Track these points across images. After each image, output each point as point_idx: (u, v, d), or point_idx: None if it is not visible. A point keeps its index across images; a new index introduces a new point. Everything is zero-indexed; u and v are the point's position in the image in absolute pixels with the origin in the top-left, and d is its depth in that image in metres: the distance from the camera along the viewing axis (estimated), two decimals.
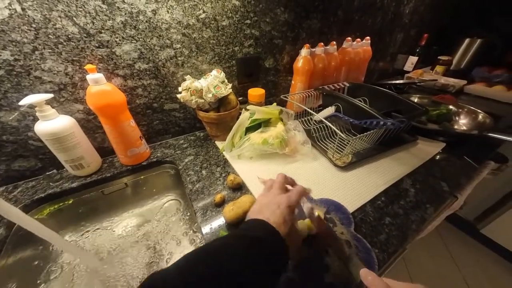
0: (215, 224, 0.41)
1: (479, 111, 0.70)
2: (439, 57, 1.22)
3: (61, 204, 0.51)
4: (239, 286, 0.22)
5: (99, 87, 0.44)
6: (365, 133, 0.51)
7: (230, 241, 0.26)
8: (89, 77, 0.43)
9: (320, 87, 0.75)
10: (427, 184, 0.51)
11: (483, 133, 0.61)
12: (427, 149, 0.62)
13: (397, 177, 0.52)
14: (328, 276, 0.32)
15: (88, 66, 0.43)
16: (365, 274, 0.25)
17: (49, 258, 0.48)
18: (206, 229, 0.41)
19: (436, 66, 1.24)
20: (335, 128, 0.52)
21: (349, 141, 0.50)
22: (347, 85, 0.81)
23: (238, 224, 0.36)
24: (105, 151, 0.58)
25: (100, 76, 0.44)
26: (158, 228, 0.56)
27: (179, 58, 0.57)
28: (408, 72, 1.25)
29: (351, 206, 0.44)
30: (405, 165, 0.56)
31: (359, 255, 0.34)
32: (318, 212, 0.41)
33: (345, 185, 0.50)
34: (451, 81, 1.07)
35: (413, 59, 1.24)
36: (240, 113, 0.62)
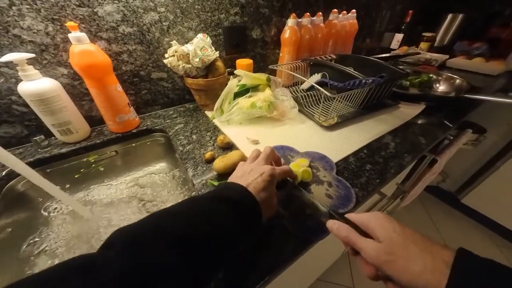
0: (205, 177, 0.43)
1: (456, 76, 0.74)
2: (423, 34, 1.25)
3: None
4: (209, 239, 0.21)
5: (82, 46, 0.44)
6: (349, 92, 0.53)
7: (203, 202, 0.25)
8: (71, 35, 0.43)
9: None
10: (407, 139, 0.54)
11: (460, 94, 0.64)
12: (408, 111, 0.65)
13: (379, 134, 0.55)
14: (308, 209, 0.34)
15: (69, 23, 0.42)
16: (331, 225, 0.26)
17: (40, 215, 0.48)
18: (197, 181, 0.42)
19: (420, 43, 1.27)
20: (320, 88, 0.54)
21: (335, 98, 0.52)
22: (334, 57, 0.82)
23: (228, 175, 0.37)
24: (93, 120, 0.58)
25: (82, 34, 0.43)
26: (150, 190, 0.57)
27: (164, 23, 0.56)
28: (394, 49, 1.28)
29: (335, 158, 0.46)
30: (387, 125, 0.59)
31: (340, 192, 0.37)
32: (303, 161, 0.43)
33: (330, 142, 0.52)
34: (435, 56, 1.11)
35: (398, 37, 1.26)
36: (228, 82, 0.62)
